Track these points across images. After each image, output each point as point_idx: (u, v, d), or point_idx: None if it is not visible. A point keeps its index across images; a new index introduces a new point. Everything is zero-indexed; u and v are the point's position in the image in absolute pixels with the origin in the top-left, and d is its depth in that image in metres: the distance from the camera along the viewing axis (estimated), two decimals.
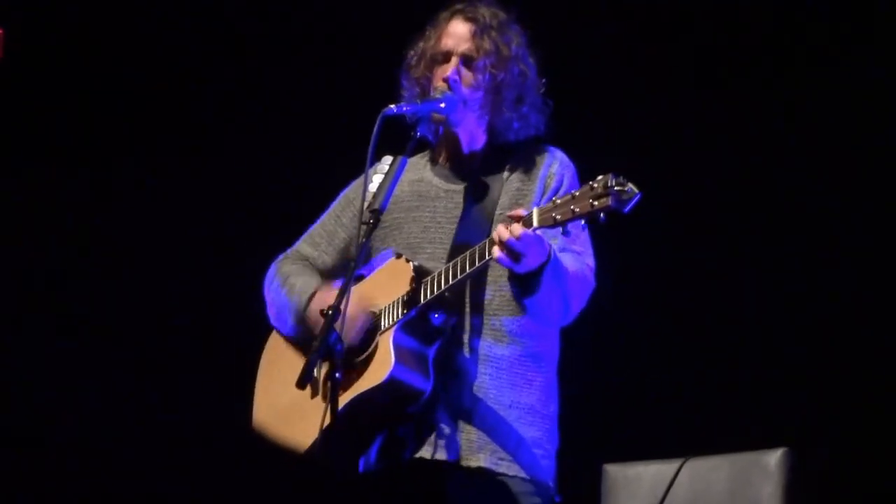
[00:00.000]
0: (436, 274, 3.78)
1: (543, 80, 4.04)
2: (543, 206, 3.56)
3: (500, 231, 3.59)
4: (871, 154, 5.34)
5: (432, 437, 3.79)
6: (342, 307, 3.59)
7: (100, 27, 6.20)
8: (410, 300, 3.79)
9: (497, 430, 3.81)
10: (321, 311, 3.61)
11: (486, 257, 3.65)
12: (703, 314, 5.47)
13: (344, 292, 3.61)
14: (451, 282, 3.74)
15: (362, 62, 5.76)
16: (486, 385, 3.82)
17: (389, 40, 4.08)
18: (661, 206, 5.34)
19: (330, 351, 3.55)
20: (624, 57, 5.67)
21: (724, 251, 5.50)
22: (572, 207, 3.48)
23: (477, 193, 3.94)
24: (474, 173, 3.99)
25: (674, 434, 5.18)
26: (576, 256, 3.84)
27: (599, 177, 3.46)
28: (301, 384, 3.62)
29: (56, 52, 6.21)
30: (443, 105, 3.92)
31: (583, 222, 3.48)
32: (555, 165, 3.96)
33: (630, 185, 3.42)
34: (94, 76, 6.22)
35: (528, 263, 3.62)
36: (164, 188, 6.16)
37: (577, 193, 3.48)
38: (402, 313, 3.80)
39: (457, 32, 4.00)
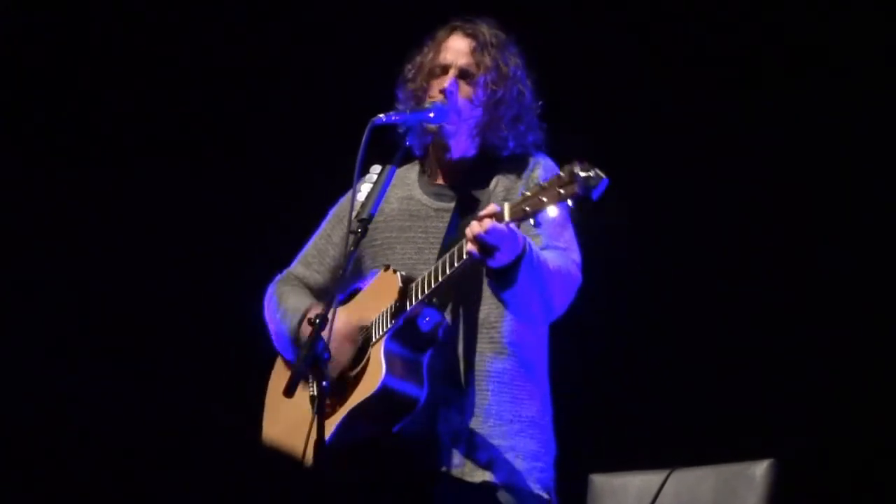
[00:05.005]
0: (419, 279, 3.78)
1: (540, 103, 4.03)
2: (514, 200, 3.55)
3: (472, 226, 3.58)
4: (850, 162, 5.34)
5: (435, 454, 3.80)
6: (329, 315, 3.60)
7: (98, 29, 6.21)
8: (398, 309, 3.80)
9: (499, 446, 3.82)
10: (308, 321, 3.61)
11: (465, 256, 3.65)
12: (690, 324, 5.48)
13: (331, 301, 3.62)
14: (433, 284, 3.74)
15: (352, 71, 5.78)
16: (489, 401, 3.83)
17: (379, 49, 4.08)
18: (648, 217, 5.37)
19: (317, 360, 3.56)
20: (612, 59, 5.67)
21: (710, 264, 5.50)
22: (541, 197, 3.47)
23: (465, 209, 3.92)
24: (463, 189, 3.98)
25: (660, 444, 5.18)
26: (560, 253, 3.84)
27: (566, 165, 3.47)
28: (288, 392, 3.63)
29: (55, 54, 6.22)
30: (432, 115, 3.91)
31: (551, 214, 3.47)
32: (537, 169, 3.95)
33: (595, 171, 3.41)
34: (92, 79, 6.23)
35: (502, 258, 3.61)
36: (156, 194, 6.17)
37: (546, 184, 3.48)
38: (391, 323, 3.80)
39: (456, 47, 4.00)
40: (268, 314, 4.14)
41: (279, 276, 4.21)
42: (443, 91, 3.93)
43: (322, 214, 4.27)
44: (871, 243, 5.31)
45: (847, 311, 5.29)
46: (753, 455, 4.37)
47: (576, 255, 3.88)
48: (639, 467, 4.59)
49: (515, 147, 3.99)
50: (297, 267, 4.19)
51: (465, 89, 3.96)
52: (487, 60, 3.95)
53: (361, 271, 4.03)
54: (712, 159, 5.53)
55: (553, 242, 3.84)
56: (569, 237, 3.89)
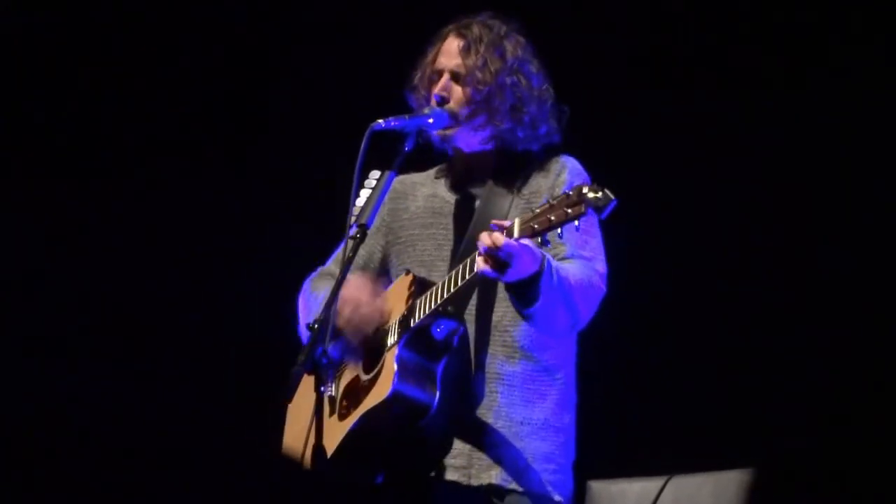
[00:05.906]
0: (429, 292, 3.77)
1: (545, 87, 4.00)
2: (524, 216, 3.53)
3: (483, 238, 3.56)
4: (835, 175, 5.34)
5: (444, 457, 3.79)
6: (329, 321, 3.60)
7: (98, 29, 6.22)
8: (409, 317, 3.80)
9: (508, 448, 3.81)
10: (307, 325, 3.61)
11: (475, 269, 3.63)
12: (689, 326, 5.47)
13: (330, 305, 3.62)
14: (445, 296, 3.73)
15: (352, 72, 5.78)
16: (498, 403, 3.82)
17: (380, 51, 4.09)
18: (648, 217, 5.38)
19: (316, 364, 3.56)
20: (630, 59, 5.67)
21: (710, 264, 5.50)
22: (549, 216, 3.47)
23: (487, 209, 3.91)
24: (486, 188, 3.97)
25: (658, 451, 5.17)
26: (584, 263, 3.82)
27: (575, 186, 3.46)
28: (287, 397, 3.63)
29: (55, 54, 6.22)
30: (431, 121, 3.92)
31: (559, 231, 3.46)
32: (563, 174, 3.94)
33: (604, 192, 3.39)
34: (92, 79, 6.24)
35: (514, 273, 3.58)
36: (156, 194, 6.18)
37: (555, 202, 3.46)
38: (403, 330, 3.80)
39: (448, 50, 4.01)
40: (302, 305, 4.12)
41: (313, 274, 4.19)
42: (436, 98, 3.96)
43: (321, 215, 4.27)
44: (871, 243, 5.31)
45: (847, 312, 5.28)
46: (752, 461, 4.36)
47: (600, 265, 3.85)
48: (637, 473, 4.58)
49: (527, 138, 3.97)
50: (331, 266, 4.17)
51: (457, 90, 3.97)
52: (473, 59, 3.95)
53: (389, 269, 4.05)
54: (712, 159, 5.53)
55: (578, 251, 3.82)
56: (595, 245, 3.87)
